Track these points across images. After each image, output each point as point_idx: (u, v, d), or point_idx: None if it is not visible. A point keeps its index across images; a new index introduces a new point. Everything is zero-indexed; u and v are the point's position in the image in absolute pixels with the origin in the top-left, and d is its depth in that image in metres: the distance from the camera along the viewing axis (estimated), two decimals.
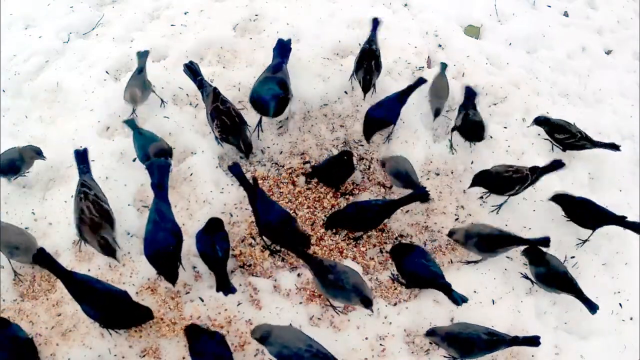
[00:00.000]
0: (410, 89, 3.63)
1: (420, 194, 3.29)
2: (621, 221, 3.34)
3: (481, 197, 3.55)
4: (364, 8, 4.37)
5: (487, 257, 3.26)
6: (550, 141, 3.77)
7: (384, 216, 3.34)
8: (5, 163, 3.30)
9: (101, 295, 2.83)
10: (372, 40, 3.78)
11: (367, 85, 3.66)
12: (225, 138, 3.49)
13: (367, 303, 2.85)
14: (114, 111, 3.70)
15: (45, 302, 3.10)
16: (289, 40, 3.80)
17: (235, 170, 3.22)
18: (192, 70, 3.59)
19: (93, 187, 3.14)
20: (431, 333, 2.96)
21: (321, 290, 3.03)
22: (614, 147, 3.69)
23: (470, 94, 3.75)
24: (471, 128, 3.63)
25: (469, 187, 3.46)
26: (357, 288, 2.88)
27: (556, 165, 3.45)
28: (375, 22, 3.85)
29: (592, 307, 3.10)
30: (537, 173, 3.42)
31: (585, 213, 3.38)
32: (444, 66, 3.87)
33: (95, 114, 3.68)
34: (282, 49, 3.77)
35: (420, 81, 3.66)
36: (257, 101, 3.52)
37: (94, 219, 3.01)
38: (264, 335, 2.79)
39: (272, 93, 3.47)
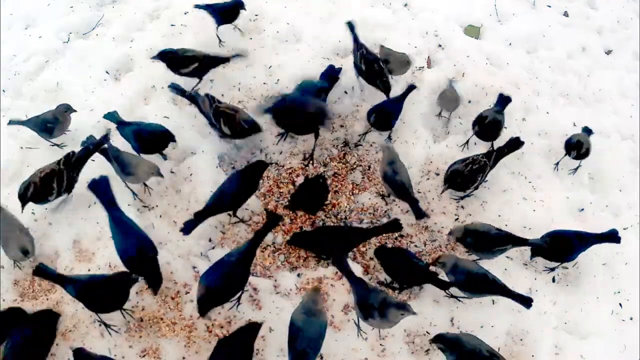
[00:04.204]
0: (403, 96, 3.64)
1: (394, 226, 3.24)
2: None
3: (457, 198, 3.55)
4: (364, 8, 4.37)
5: (484, 257, 3.27)
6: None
7: (353, 244, 3.28)
8: (40, 122, 3.44)
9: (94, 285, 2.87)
10: (361, 46, 3.73)
11: (388, 86, 3.69)
12: (237, 131, 3.44)
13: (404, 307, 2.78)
14: (114, 111, 3.70)
15: (45, 302, 3.10)
16: (339, 70, 3.77)
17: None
18: (177, 89, 3.57)
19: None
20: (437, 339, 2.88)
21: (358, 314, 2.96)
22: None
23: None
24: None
25: (442, 192, 3.47)
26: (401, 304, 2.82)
27: (514, 143, 3.47)
28: (351, 26, 3.79)
29: (526, 302, 3.02)
30: (494, 156, 3.44)
31: None
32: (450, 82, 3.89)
33: (95, 114, 3.68)
34: (329, 76, 3.72)
35: (411, 88, 3.66)
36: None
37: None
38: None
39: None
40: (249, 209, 3.43)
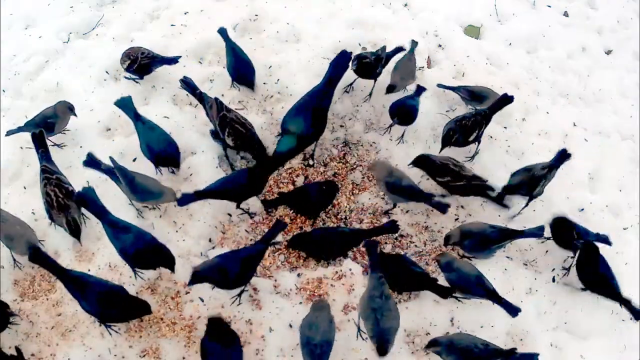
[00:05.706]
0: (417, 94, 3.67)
1: (390, 227, 3.26)
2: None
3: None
4: (364, 8, 4.37)
5: (482, 258, 3.27)
6: None
7: (351, 245, 3.29)
8: (40, 119, 3.44)
9: (98, 290, 2.85)
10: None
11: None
12: (240, 145, 3.45)
13: (382, 352, 2.82)
14: (114, 111, 3.69)
15: (45, 302, 3.10)
16: (350, 55, 3.65)
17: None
18: (188, 85, 3.56)
19: (54, 171, 3.22)
20: (433, 344, 2.91)
21: (361, 307, 2.97)
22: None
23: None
24: None
25: (409, 165, 3.43)
26: (384, 334, 2.83)
27: (501, 203, 3.44)
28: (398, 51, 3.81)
29: (513, 311, 2.99)
30: (475, 184, 3.37)
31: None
32: (414, 44, 3.83)
33: (95, 114, 3.69)
34: (338, 64, 3.63)
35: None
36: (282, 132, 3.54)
37: (60, 201, 3.11)
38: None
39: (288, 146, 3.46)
40: (233, 215, 3.44)
